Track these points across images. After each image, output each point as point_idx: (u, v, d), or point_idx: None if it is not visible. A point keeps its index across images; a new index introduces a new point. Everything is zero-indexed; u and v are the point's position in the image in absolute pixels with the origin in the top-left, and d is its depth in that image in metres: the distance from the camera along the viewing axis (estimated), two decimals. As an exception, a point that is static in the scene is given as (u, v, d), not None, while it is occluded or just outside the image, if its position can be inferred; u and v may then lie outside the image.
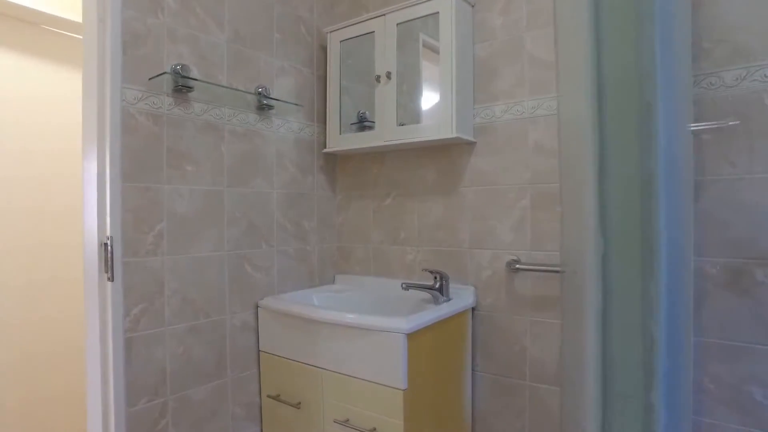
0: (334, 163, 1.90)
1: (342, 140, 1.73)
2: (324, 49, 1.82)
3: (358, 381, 1.28)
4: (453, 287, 1.55)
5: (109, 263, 1.15)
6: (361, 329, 1.26)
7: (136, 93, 1.24)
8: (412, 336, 1.22)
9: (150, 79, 1.26)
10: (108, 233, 1.17)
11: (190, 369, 1.37)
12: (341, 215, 1.89)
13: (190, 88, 1.34)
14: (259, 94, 1.54)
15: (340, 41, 1.73)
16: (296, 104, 1.65)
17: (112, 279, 1.16)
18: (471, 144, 1.54)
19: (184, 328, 1.35)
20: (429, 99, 1.56)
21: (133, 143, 1.24)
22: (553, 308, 1.38)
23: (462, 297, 1.52)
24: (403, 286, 1.51)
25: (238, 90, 1.48)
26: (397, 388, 1.21)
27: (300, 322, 1.42)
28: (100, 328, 1.17)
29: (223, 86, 1.44)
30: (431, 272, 1.49)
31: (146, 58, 1.27)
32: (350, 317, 1.29)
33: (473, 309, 1.54)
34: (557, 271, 1.36)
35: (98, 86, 1.17)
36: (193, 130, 1.38)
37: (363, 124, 1.74)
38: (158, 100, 1.29)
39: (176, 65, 1.31)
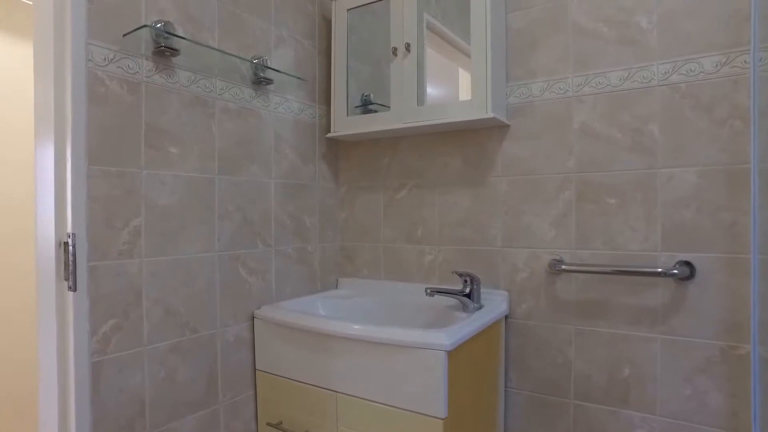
0: (337, 151, 1.67)
1: (349, 123, 1.50)
2: (327, 20, 1.59)
3: (384, 408, 1.06)
4: (482, 292, 1.35)
5: (71, 268, 0.89)
6: (390, 345, 1.04)
7: (106, 52, 0.98)
8: (452, 353, 1.01)
9: (124, 35, 1.00)
10: (69, 230, 0.91)
11: (175, 396, 1.11)
12: (345, 210, 1.66)
13: (174, 51, 1.09)
14: (257, 64, 1.30)
15: (348, 9, 1.50)
16: (299, 78, 1.41)
17: (74, 288, 0.90)
18: (504, 127, 1.35)
19: (166, 347, 1.10)
20: (454, 75, 1.36)
21: (103, 116, 0.98)
22: (603, 315, 1.20)
23: (494, 303, 1.32)
24: (428, 291, 1.29)
25: (234, 56, 1.23)
26: (436, 417, 0.99)
27: (307, 336, 1.18)
28: (59, 350, 0.91)
29: (215, 49, 1.19)
30: (460, 275, 1.29)
31: (119, 10, 1.01)
32: (376, 331, 1.07)
33: (505, 317, 1.34)
34: (609, 272, 1.18)
35: (56, 39, 0.91)
36: (178, 104, 1.13)
37: (368, 107, 1.53)
38: (135, 64, 1.04)
39: (157, 22, 1.05)
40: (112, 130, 0.99)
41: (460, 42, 1.41)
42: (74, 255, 0.90)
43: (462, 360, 1.07)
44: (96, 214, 0.96)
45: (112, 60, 0.99)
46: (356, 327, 1.10)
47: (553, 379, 1.27)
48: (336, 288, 1.65)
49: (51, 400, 0.91)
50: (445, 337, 0.99)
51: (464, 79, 1.42)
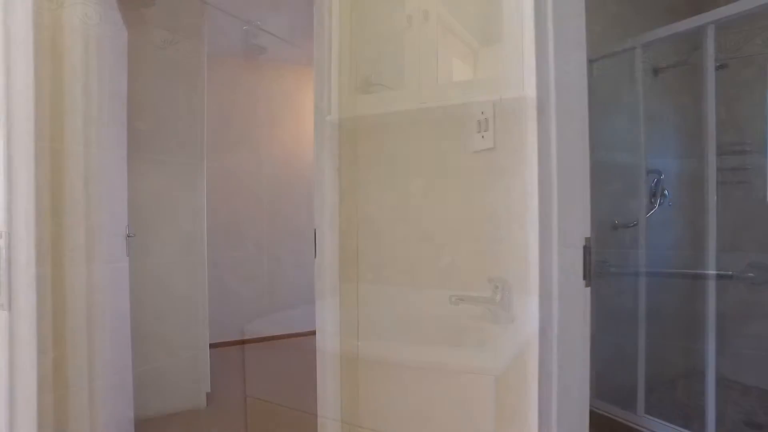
0: (335, 137, 1.45)
1: (353, 104, 1.30)
2: (326, -17, 1.38)
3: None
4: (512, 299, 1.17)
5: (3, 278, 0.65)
6: (422, 370, 0.85)
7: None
8: (501, 378, 0.82)
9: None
10: None
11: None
12: (344, 204, 1.45)
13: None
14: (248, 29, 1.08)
15: (352, -28, 1.30)
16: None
17: (6, 306, 0.66)
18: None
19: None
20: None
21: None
22: (662, 323, 1.04)
23: (526, 312, 1.14)
24: (452, 299, 1.10)
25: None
26: (484, 459, 0.80)
27: (319, 358, 0.97)
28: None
29: None
30: (491, 279, 1.10)
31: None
32: (403, 352, 0.87)
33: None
34: (678, 276, 1.02)
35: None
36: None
37: (367, 88, 1.35)
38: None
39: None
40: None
41: (458, 26, 1.25)
42: (8, 259, 0.66)
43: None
44: (42, 204, 0.72)
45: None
46: (379, 347, 0.90)
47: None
48: (336, 295, 1.44)
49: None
50: (493, 359, 0.80)
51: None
